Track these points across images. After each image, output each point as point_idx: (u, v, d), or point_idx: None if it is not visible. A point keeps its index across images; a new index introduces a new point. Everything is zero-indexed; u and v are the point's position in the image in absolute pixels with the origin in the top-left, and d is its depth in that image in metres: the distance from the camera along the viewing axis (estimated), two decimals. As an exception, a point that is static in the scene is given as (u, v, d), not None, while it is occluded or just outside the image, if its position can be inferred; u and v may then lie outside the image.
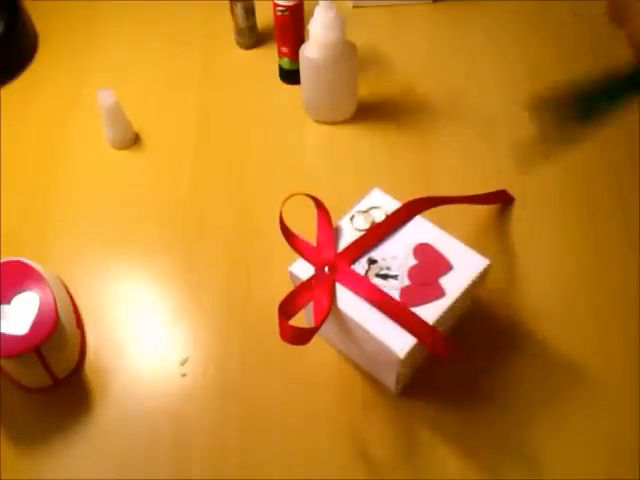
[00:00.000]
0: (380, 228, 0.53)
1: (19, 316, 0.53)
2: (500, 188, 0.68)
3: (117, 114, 0.72)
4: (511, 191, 0.67)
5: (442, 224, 0.54)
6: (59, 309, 0.54)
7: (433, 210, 0.56)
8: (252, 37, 0.84)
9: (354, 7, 0.88)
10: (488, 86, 0.78)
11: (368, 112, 0.76)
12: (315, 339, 0.48)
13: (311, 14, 0.67)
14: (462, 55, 0.82)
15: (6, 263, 0.57)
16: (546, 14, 0.87)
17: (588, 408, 0.53)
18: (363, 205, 0.55)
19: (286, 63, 0.78)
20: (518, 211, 0.66)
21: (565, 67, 0.80)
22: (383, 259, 0.51)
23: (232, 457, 0.52)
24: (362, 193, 0.56)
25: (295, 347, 0.48)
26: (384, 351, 0.47)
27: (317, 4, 0.66)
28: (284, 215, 0.54)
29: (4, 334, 0.51)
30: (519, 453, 0.51)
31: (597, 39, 0.83)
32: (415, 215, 0.54)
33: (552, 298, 0.60)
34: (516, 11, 0.87)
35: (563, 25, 0.85)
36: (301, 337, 0.48)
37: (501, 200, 0.65)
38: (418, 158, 0.70)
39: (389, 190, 0.56)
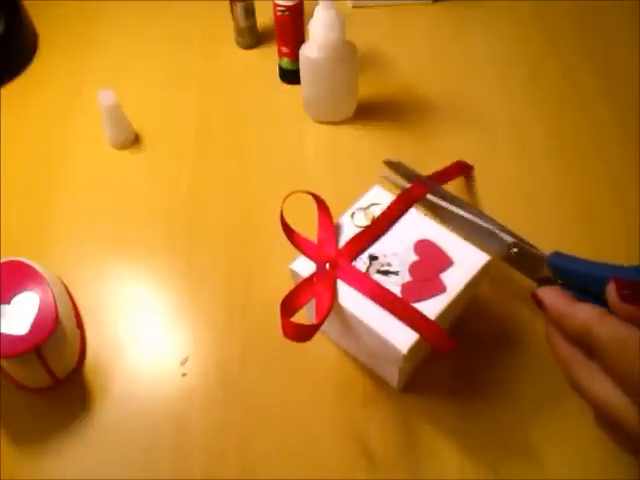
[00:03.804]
0: (379, 224, 0.53)
1: (19, 316, 0.52)
2: (500, 188, 0.68)
3: (117, 114, 0.72)
4: (511, 191, 0.68)
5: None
6: (59, 309, 0.54)
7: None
8: (252, 37, 0.84)
9: (354, 7, 0.89)
10: (488, 86, 0.78)
11: (368, 112, 0.76)
12: (316, 336, 0.48)
13: (311, 14, 0.67)
14: (462, 55, 0.82)
15: (6, 263, 0.57)
16: (546, 14, 0.87)
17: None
18: (363, 202, 0.55)
19: (286, 63, 0.78)
20: (520, 209, 0.66)
21: (565, 67, 0.80)
22: (384, 255, 0.51)
23: (232, 456, 0.52)
24: (362, 193, 0.56)
25: (296, 344, 0.47)
26: (386, 347, 0.47)
27: (317, 4, 0.66)
28: (285, 213, 0.54)
29: (4, 334, 0.51)
30: (522, 449, 0.51)
31: (598, 39, 0.83)
32: (412, 206, 0.54)
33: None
34: (516, 11, 0.87)
35: (563, 25, 0.85)
36: (303, 334, 0.47)
37: (462, 172, 0.65)
38: (418, 158, 0.70)
39: (389, 190, 0.56)
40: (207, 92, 0.80)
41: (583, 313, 0.38)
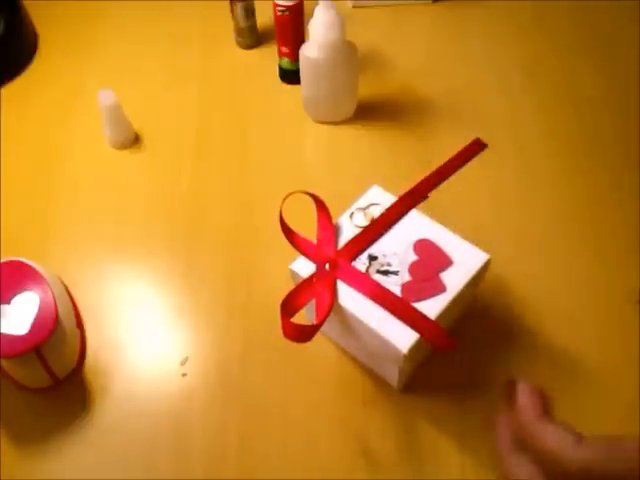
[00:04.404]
0: (379, 224, 0.53)
1: (19, 316, 0.52)
2: (499, 188, 0.68)
3: (117, 114, 0.72)
4: (511, 190, 0.68)
5: (442, 219, 0.54)
6: (59, 309, 0.54)
7: (430, 204, 0.56)
8: (252, 37, 0.84)
9: (354, 7, 0.89)
10: (488, 86, 0.79)
11: (368, 112, 0.76)
12: (316, 336, 0.48)
13: (311, 14, 0.67)
14: (462, 55, 0.83)
15: (6, 263, 0.57)
16: (546, 14, 0.87)
17: (590, 404, 0.53)
18: (362, 202, 0.55)
19: (286, 63, 0.78)
20: (519, 209, 0.66)
21: (565, 67, 0.80)
22: (384, 255, 0.51)
23: (232, 456, 0.52)
24: (362, 193, 0.56)
25: (296, 344, 0.47)
26: (387, 347, 0.47)
27: (317, 4, 0.66)
28: (284, 214, 0.54)
29: (4, 334, 0.51)
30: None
31: (598, 39, 0.83)
32: (412, 207, 0.54)
33: (553, 293, 0.60)
34: (516, 11, 0.88)
35: (563, 25, 0.86)
36: (303, 334, 0.47)
37: (477, 149, 0.64)
38: (418, 158, 0.71)
39: (389, 190, 0.56)
40: (207, 92, 0.80)
41: (554, 436, 0.36)
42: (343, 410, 0.54)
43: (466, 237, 0.52)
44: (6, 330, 0.51)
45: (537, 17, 0.87)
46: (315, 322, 0.48)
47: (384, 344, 0.47)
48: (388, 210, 0.54)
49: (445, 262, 0.50)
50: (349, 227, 0.53)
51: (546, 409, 0.39)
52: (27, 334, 0.51)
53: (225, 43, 0.85)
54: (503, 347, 0.56)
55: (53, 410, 0.55)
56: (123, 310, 0.61)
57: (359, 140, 0.74)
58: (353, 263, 0.51)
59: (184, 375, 0.56)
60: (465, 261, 0.50)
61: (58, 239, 0.67)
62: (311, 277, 0.51)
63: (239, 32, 0.83)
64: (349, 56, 0.69)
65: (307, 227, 0.54)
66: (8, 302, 0.54)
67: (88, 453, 0.53)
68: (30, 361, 0.52)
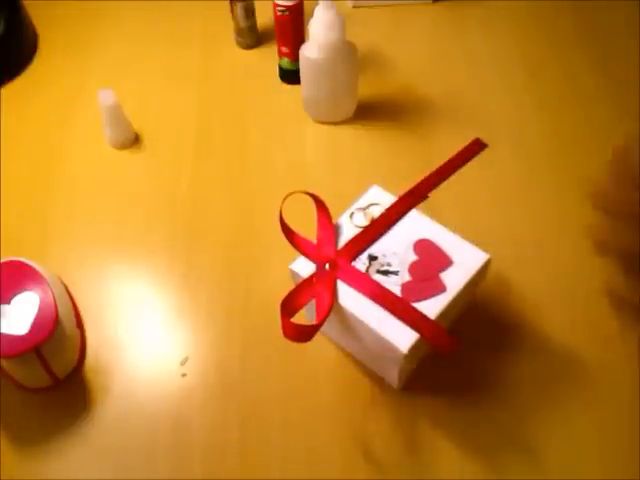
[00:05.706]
0: (379, 224, 0.53)
1: (19, 316, 0.53)
2: (499, 188, 0.68)
3: (117, 114, 0.72)
4: (512, 190, 0.68)
5: (442, 219, 0.54)
6: (59, 309, 0.54)
7: (430, 204, 0.56)
8: (252, 37, 0.84)
9: (354, 7, 0.89)
10: (488, 86, 0.79)
11: (368, 112, 0.76)
12: (316, 336, 0.48)
13: (311, 14, 0.67)
14: (462, 55, 0.83)
15: (6, 263, 0.57)
16: (546, 13, 0.87)
17: (589, 403, 0.53)
18: (362, 202, 0.55)
19: (286, 63, 0.78)
20: (519, 209, 0.66)
21: (565, 66, 0.80)
22: (384, 255, 0.51)
23: (232, 456, 0.52)
24: (362, 193, 0.56)
25: (295, 345, 0.48)
26: (387, 347, 0.47)
27: (317, 4, 0.66)
28: (284, 214, 0.54)
29: (4, 334, 0.51)
30: (521, 448, 0.51)
31: (597, 39, 0.83)
32: (412, 207, 0.54)
33: (553, 293, 0.60)
34: (516, 11, 0.88)
35: (563, 24, 0.86)
36: (303, 334, 0.47)
37: (477, 149, 0.65)
38: (418, 158, 0.71)
39: (389, 190, 0.56)
40: (207, 92, 0.80)
41: None
42: (343, 410, 0.54)
43: (466, 237, 0.52)
44: (6, 330, 0.52)
45: (537, 16, 0.87)
46: (315, 322, 0.48)
47: (384, 344, 0.47)
48: (388, 210, 0.54)
49: (445, 262, 0.50)
50: (349, 227, 0.53)
51: None
52: (27, 334, 0.51)
53: (225, 43, 0.85)
54: (503, 346, 0.56)
55: (53, 410, 0.55)
56: (123, 310, 0.61)
57: (359, 140, 0.74)
58: (353, 263, 0.51)
59: (184, 375, 0.56)
60: (465, 261, 0.50)
61: (58, 239, 0.67)
62: (311, 277, 0.51)
63: (239, 32, 0.83)
64: (349, 56, 0.69)
65: (307, 227, 0.54)
66: (8, 302, 0.54)
67: (88, 452, 0.53)
68: (30, 361, 0.52)
